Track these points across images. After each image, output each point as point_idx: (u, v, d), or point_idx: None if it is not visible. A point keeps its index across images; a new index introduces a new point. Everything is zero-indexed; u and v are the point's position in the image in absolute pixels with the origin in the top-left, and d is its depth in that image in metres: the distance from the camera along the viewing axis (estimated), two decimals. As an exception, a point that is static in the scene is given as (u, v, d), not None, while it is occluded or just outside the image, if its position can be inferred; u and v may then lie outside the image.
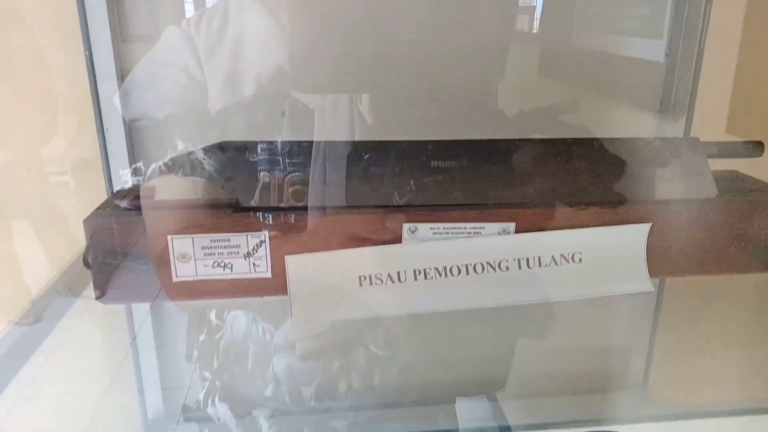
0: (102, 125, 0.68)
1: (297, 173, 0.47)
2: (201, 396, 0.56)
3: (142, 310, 0.75)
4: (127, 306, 0.75)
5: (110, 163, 0.69)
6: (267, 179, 0.47)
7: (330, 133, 0.56)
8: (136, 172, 0.49)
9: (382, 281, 0.42)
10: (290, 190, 0.47)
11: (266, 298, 0.54)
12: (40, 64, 0.62)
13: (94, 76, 0.65)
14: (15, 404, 0.59)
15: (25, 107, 0.63)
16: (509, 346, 0.46)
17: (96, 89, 0.65)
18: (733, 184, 0.47)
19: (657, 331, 0.46)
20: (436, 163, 0.45)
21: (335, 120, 0.56)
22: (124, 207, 0.43)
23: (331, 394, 0.54)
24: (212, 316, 0.58)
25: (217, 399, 0.55)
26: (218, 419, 0.54)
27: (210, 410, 0.55)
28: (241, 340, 0.56)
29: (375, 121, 0.57)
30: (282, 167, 0.47)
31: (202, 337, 0.59)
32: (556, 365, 0.42)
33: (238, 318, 0.57)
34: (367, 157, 0.46)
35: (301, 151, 0.47)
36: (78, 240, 0.43)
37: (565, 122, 0.57)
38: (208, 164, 0.47)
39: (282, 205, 0.45)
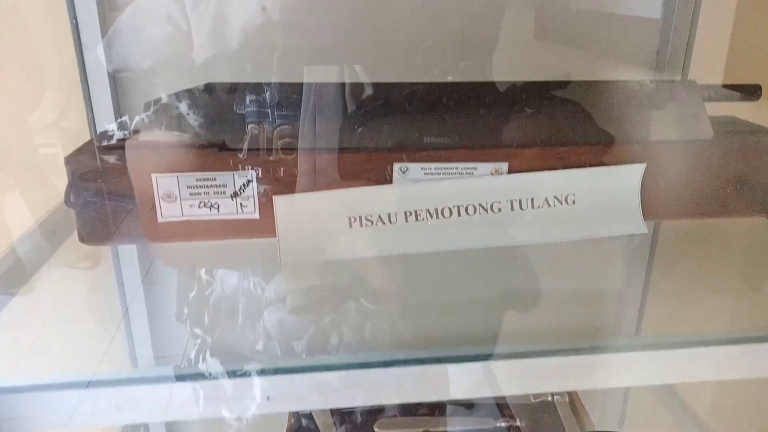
0: (89, 95, 0.67)
1: (286, 126, 0.45)
2: (192, 353, 0.56)
3: (134, 281, 0.74)
4: (118, 276, 0.74)
5: (96, 128, 0.68)
6: (256, 132, 0.46)
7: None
8: (122, 126, 0.48)
9: (372, 222, 0.41)
10: (280, 143, 0.46)
11: (256, 253, 0.53)
12: (25, 32, 0.61)
13: (80, 46, 0.63)
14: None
15: (10, 76, 0.62)
16: (500, 291, 0.45)
17: (82, 59, 0.64)
18: (729, 128, 0.47)
19: (651, 277, 0.46)
20: (430, 104, 0.44)
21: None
22: (113, 162, 0.42)
23: (322, 348, 0.53)
24: (202, 273, 0.57)
25: (208, 355, 0.55)
26: (210, 375, 0.54)
27: (201, 366, 0.55)
28: (231, 296, 0.55)
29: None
30: (271, 119, 0.46)
31: (192, 294, 0.58)
32: (547, 309, 0.42)
33: (228, 273, 0.56)
34: (358, 108, 0.45)
35: (290, 103, 0.46)
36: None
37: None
38: (193, 119, 0.45)
39: (271, 159, 0.44)
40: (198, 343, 0.56)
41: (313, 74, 0.54)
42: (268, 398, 0.34)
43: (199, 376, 0.35)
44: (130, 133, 0.45)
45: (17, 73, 0.62)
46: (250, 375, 0.34)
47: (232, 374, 0.34)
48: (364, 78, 0.54)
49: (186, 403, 0.34)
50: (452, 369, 0.32)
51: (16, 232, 0.60)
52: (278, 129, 0.46)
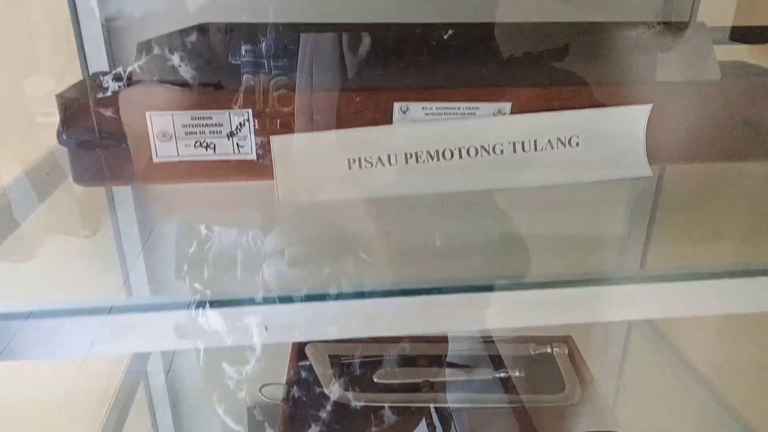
0: (86, 63, 0.65)
1: (283, 77, 0.44)
2: (192, 308, 0.56)
3: (134, 253, 0.74)
4: (119, 248, 0.74)
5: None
6: (251, 82, 0.45)
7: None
8: (117, 78, 0.47)
9: (371, 164, 0.40)
10: (276, 94, 0.45)
11: (254, 204, 0.52)
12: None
13: (76, 13, 0.62)
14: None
15: (5, 39, 0.60)
16: (503, 233, 0.44)
17: (78, 26, 0.62)
18: (738, 71, 0.45)
19: (655, 222, 0.45)
20: (429, 45, 0.43)
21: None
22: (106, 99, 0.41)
23: (321, 300, 0.53)
24: (201, 228, 0.56)
25: (207, 309, 0.54)
26: (209, 328, 0.54)
27: (201, 321, 0.54)
28: (230, 249, 0.55)
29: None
30: (267, 70, 0.45)
31: (191, 250, 0.58)
32: (549, 251, 0.41)
33: (226, 227, 0.55)
34: (356, 54, 0.44)
35: (286, 53, 0.45)
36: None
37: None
38: (185, 70, 0.44)
39: (267, 110, 0.43)
40: (197, 298, 0.55)
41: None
42: (266, 328, 0.34)
43: (199, 305, 0.35)
44: (124, 85, 0.44)
45: (10, 29, 0.60)
46: (248, 304, 0.34)
47: (231, 303, 0.34)
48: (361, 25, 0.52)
49: (187, 333, 0.34)
50: (452, 299, 0.32)
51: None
52: (274, 80, 0.44)
